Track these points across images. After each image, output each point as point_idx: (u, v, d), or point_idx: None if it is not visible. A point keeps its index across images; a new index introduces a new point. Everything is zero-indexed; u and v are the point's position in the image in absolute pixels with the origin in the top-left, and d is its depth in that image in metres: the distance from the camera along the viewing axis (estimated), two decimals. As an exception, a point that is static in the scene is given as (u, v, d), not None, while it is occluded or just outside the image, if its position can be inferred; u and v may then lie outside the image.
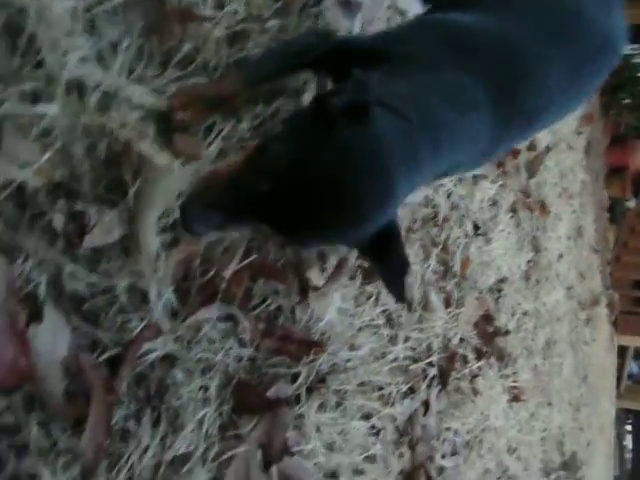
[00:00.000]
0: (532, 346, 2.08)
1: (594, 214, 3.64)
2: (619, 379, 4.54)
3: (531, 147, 2.25)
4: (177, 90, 0.71)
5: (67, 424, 0.57)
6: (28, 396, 0.55)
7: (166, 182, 0.63)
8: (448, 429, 1.35)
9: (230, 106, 0.80)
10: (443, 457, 1.29)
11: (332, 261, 1.01)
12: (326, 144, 0.53)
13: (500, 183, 1.86)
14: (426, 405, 1.28)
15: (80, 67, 0.59)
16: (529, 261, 2.16)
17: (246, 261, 0.79)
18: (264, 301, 0.86)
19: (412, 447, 1.18)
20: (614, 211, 4.69)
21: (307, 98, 0.98)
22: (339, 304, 1.03)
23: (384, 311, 1.17)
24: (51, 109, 0.56)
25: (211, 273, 0.74)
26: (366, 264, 1.12)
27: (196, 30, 0.75)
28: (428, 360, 1.31)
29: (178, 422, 0.68)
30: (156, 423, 0.67)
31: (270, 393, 0.82)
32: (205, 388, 0.73)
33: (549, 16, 0.79)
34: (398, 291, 0.66)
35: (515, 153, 2.03)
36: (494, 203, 1.85)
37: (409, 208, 1.32)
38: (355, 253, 1.07)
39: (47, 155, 0.57)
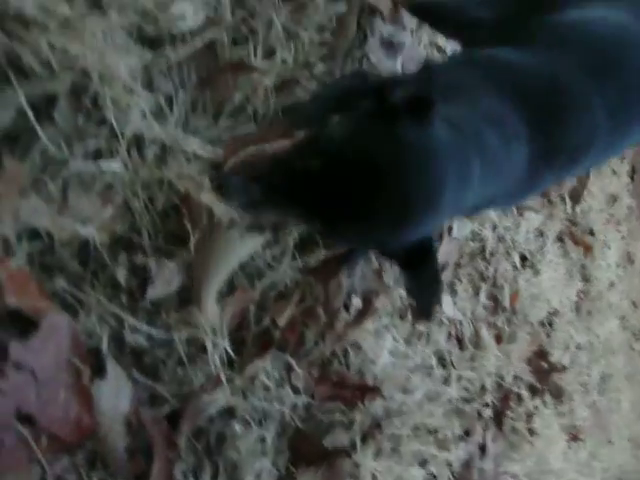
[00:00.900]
0: (587, 381, 2.00)
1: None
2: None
3: (574, 174, 2.20)
4: (228, 140, 0.72)
5: (129, 481, 0.56)
6: (91, 453, 0.55)
7: (233, 245, 0.63)
8: (505, 473, 1.30)
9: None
10: (503, 503, 1.23)
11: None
12: (386, 136, 0.52)
13: (545, 212, 1.82)
14: (482, 448, 1.23)
15: (139, 122, 0.61)
16: (579, 291, 2.10)
17: (299, 307, 0.78)
18: (317, 346, 0.85)
19: (471, 494, 1.14)
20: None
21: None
22: (391, 345, 1.01)
23: (436, 350, 1.15)
24: (114, 165, 0.57)
25: (265, 322, 0.73)
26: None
27: (246, 80, 0.76)
28: (482, 400, 1.27)
29: (236, 475, 0.67)
30: (214, 477, 0.65)
31: (326, 442, 0.80)
32: (262, 439, 0.72)
33: (598, 50, 0.77)
34: (425, 307, 0.63)
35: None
36: (540, 233, 1.81)
37: (456, 243, 1.30)
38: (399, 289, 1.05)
39: (109, 210, 0.58)
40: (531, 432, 1.44)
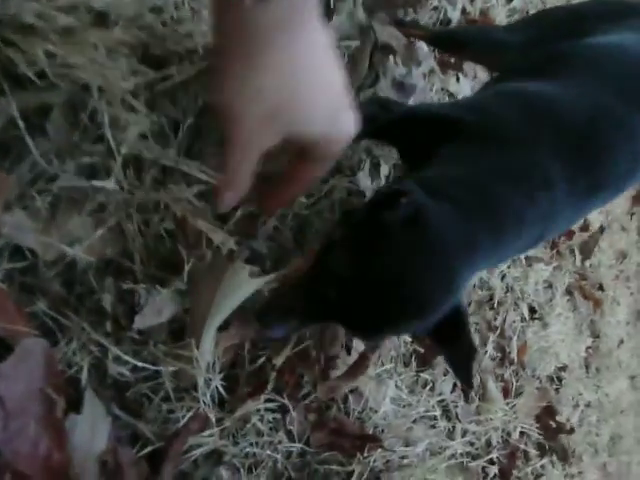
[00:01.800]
0: (597, 442, 1.91)
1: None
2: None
3: (584, 228, 2.17)
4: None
5: (100, 529, 0.51)
6: (60, 496, 0.50)
7: (241, 280, 0.60)
8: (512, 538, 1.21)
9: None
10: None
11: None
12: (386, 252, 0.55)
13: (555, 264, 1.78)
14: (488, 509, 1.15)
15: (139, 143, 0.58)
16: (588, 347, 2.03)
17: (298, 348, 0.74)
18: (315, 390, 0.80)
19: None
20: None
21: (362, 177, 0.96)
22: (393, 393, 0.95)
23: (441, 401, 1.09)
24: (108, 184, 0.54)
25: (261, 360, 0.69)
26: (421, 350, 1.05)
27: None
28: (488, 457, 1.19)
29: (221, 528, 0.61)
30: (197, 529, 0.59)
31: (321, 495, 0.74)
32: (251, 488, 0.66)
33: (633, 79, 0.75)
34: (465, 376, 0.64)
35: (569, 234, 1.95)
36: (549, 285, 1.77)
37: (464, 291, 1.26)
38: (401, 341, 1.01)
39: (100, 231, 0.55)
40: (539, 494, 1.36)
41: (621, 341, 2.43)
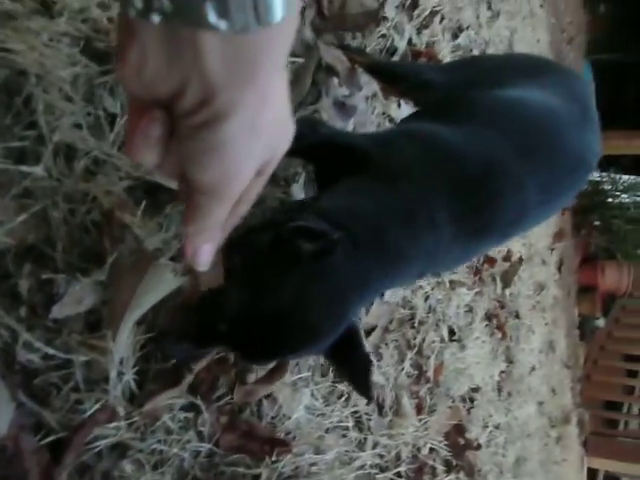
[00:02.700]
0: (502, 462, 2.00)
1: (566, 329, 3.65)
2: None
3: (506, 258, 2.29)
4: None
5: (-7, 516, 0.50)
6: (-47, 480, 0.49)
7: (162, 278, 0.61)
8: None
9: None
10: None
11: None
12: (287, 282, 0.57)
13: (477, 290, 1.87)
14: (391, 521, 1.19)
15: (72, 132, 0.59)
16: (502, 372, 2.13)
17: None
18: (230, 392, 0.81)
19: None
20: (583, 329, 4.73)
21: (296, 188, 0.99)
22: (308, 401, 0.98)
23: (354, 412, 1.12)
24: (35, 170, 0.54)
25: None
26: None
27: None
28: (396, 470, 1.24)
29: (119, 522, 0.61)
30: (94, 522, 0.59)
31: (225, 496, 0.75)
32: (155, 484, 0.66)
33: (530, 134, 0.82)
34: (365, 390, 0.66)
35: (491, 262, 2.05)
36: (470, 310, 1.85)
37: (387, 307, 1.30)
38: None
39: (23, 216, 0.55)
40: (442, 509, 1.41)
41: (533, 368, 2.57)
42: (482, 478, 1.75)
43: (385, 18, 1.39)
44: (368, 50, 1.27)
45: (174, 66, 0.30)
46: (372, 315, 1.25)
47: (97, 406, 0.58)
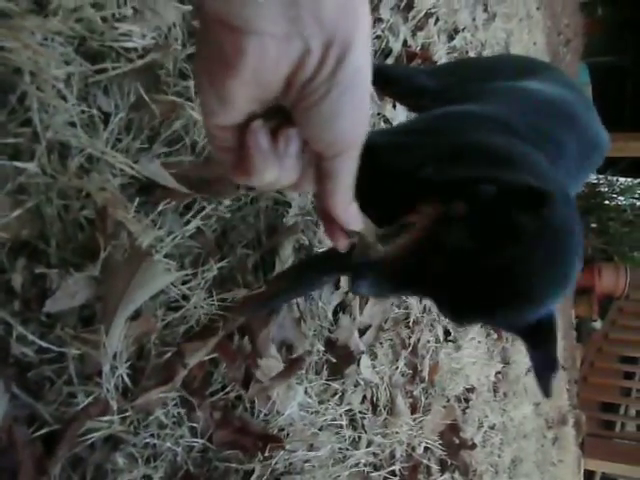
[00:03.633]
0: (498, 463, 2.01)
1: (562, 331, 3.66)
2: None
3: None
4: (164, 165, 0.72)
5: (-15, 506, 0.51)
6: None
7: (155, 273, 0.61)
8: None
9: (215, 189, 0.80)
10: None
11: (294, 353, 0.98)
12: (514, 241, 0.53)
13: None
14: (385, 519, 1.20)
15: (66, 130, 0.60)
16: (498, 372, 2.14)
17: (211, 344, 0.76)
18: (223, 388, 0.82)
19: None
20: (580, 330, 4.74)
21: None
22: (302, 399, 0.98)
23: (348, 411, 1.13)
24: (30, 166, 0.55)
25: (168, 354, 0.70)
26: (334, 359, 1.09)
27: (187, 112, 0.76)
28: (390, 468, 1.24)
29: (112, 515, 0.62)
30: (87, 514, 0.60)
31: (218, 491, 0.76)
32: (148, 478, 0.67)
33: (550, 115, 0.81)
34: (546, 386, 0.63)
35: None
36: (465, 310, 1.85)
37: (381, 306, 1.31)
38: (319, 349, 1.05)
39: (18, 212, 0.55)
40: (437, 508, 1.42)
41: (529, 369, 2.57)
42: (478, 478, 1.76)
43: (380, 19, 1.41)
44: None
45: (293, 34, 0.30)
46: (366, 314, 1.26)
47: (90, 399, 0.59)
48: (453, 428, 1.61)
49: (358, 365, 1.19)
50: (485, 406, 1.94)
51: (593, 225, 4.81)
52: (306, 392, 1.00)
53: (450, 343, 1.71)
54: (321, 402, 1.04)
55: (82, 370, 0.60)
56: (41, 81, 0.56)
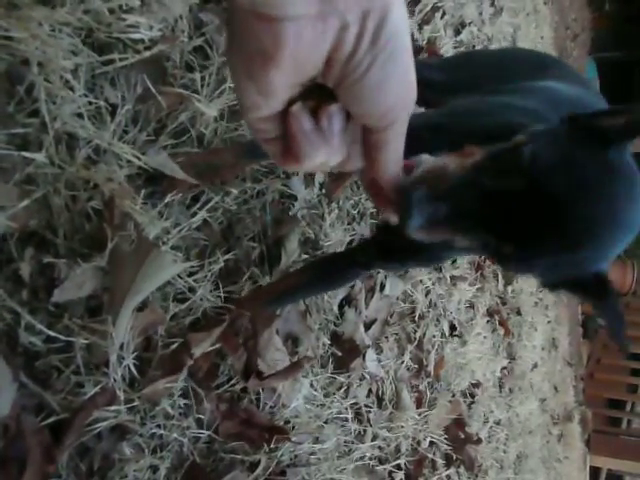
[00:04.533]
0: (503, 458, 2.00)
1: (568, 327, 3.65)
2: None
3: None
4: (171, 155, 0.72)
5: (-6, 493, 0.51)
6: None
7: (162, 264, 0.62)
8: (412, 541, 1.26)
9: (221, 178, 0.81)
10: None
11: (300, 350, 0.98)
12: (597, 161, 0.51)
13: (478, 286, 1.87)
14: (390, 512, 1.20)
15: (73, 121, 0.60)
16: (503, 368, 2.14)
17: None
18: (229, 381, 0.82)
19: None
20: (587, 327, 4.72)
21: (296, 181, 1.00)
22: (307, 392, 0.99)
23: (354, 404, 1.13)
24: (38, 156, 0.55)
25: (174, 346, 0.70)
26: (339, 353, 1.09)
27: (194, 104, 0.77)
28: (396, 462, 1.24)
29: (119, 504, 0.62)
30: (94, 502, 0.60)
31: (224, 482, 0.76)
32: (154, 468, 0.68)
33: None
34: (620, 338, 0.60)
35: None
36: (471, 305, 1.85)
37: (387, 301, 1.31)
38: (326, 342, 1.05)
39: (26, 202, 0.56)
40: (442, 502, 1.42)
41: (535, 365, 2.57)
42: (483, 473, 1.75)
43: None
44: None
45: (328, 11, 0.29)
46: (371, 309, 1.26)
47: (97, 389, 0.59)
48: (458, 423, 1.61)
49: (364, 359, 1.19)
50: (491, 401, 1.94)
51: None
52: (312, 385, 1.01)
53: (456, 338, 1.70)
54: (327, 395, 1.04)
55: (89, 360, 0.60)
56: (49, 72, 0.57)
